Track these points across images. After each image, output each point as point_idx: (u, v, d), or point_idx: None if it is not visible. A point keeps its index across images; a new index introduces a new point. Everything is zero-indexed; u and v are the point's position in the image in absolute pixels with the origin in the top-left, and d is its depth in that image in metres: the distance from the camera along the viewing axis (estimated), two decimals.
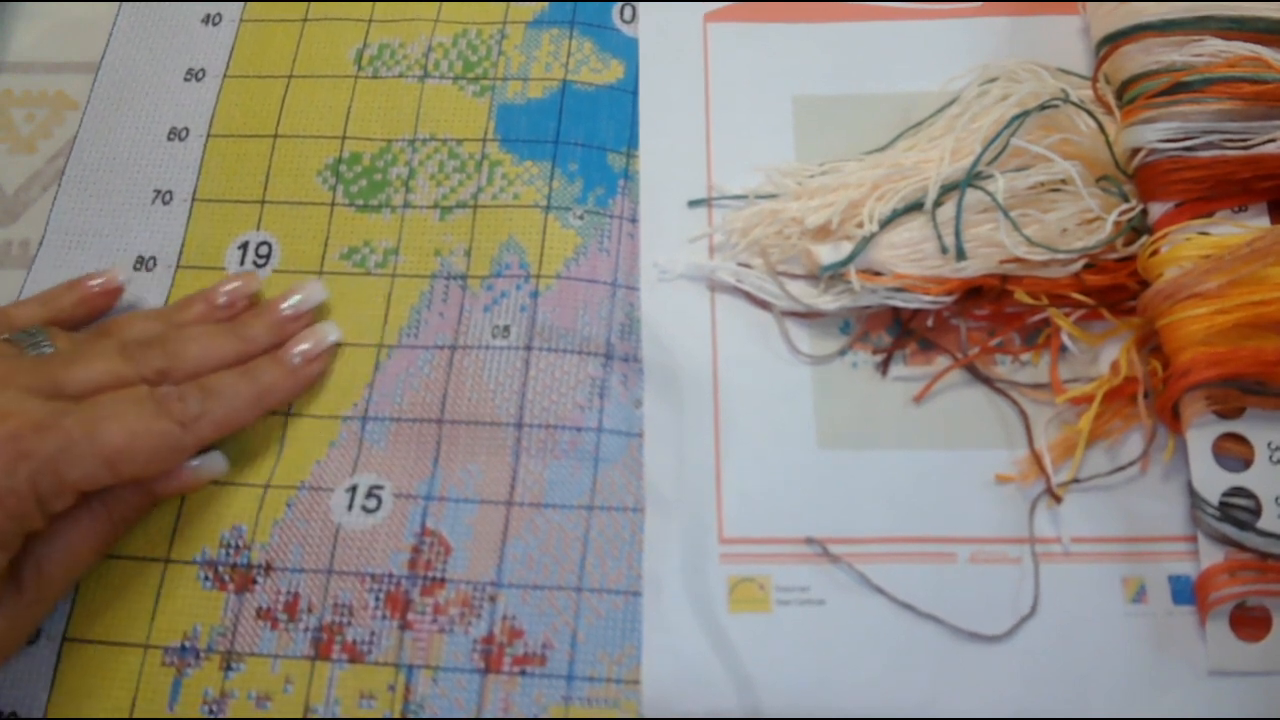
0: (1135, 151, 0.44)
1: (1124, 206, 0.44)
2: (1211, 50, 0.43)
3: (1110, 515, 0.42)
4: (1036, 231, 0.43)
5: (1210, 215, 0.43)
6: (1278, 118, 0.42)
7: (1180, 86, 0.43)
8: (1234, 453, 0.41)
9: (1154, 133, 0.43)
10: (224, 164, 0.49)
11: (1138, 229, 0.44)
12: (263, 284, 0.47)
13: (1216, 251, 0.41)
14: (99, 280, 0.45)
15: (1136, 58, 0.44)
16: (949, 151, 0.45)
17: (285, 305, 0.45)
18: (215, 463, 0.42)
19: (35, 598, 0.38)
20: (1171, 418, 0.42)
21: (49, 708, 0.40)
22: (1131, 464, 0.42)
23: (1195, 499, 0.40)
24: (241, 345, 0.43)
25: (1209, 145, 0.42)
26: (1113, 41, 0.45)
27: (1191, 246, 0.42)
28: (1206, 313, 0.41)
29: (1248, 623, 0.40)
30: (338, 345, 0.45)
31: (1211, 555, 0.40)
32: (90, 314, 0.45)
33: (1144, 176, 0.43)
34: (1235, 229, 0.42)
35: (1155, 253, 0.42)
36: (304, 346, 0.44)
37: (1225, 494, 0.40)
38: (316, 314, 0.46)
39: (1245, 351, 0.40)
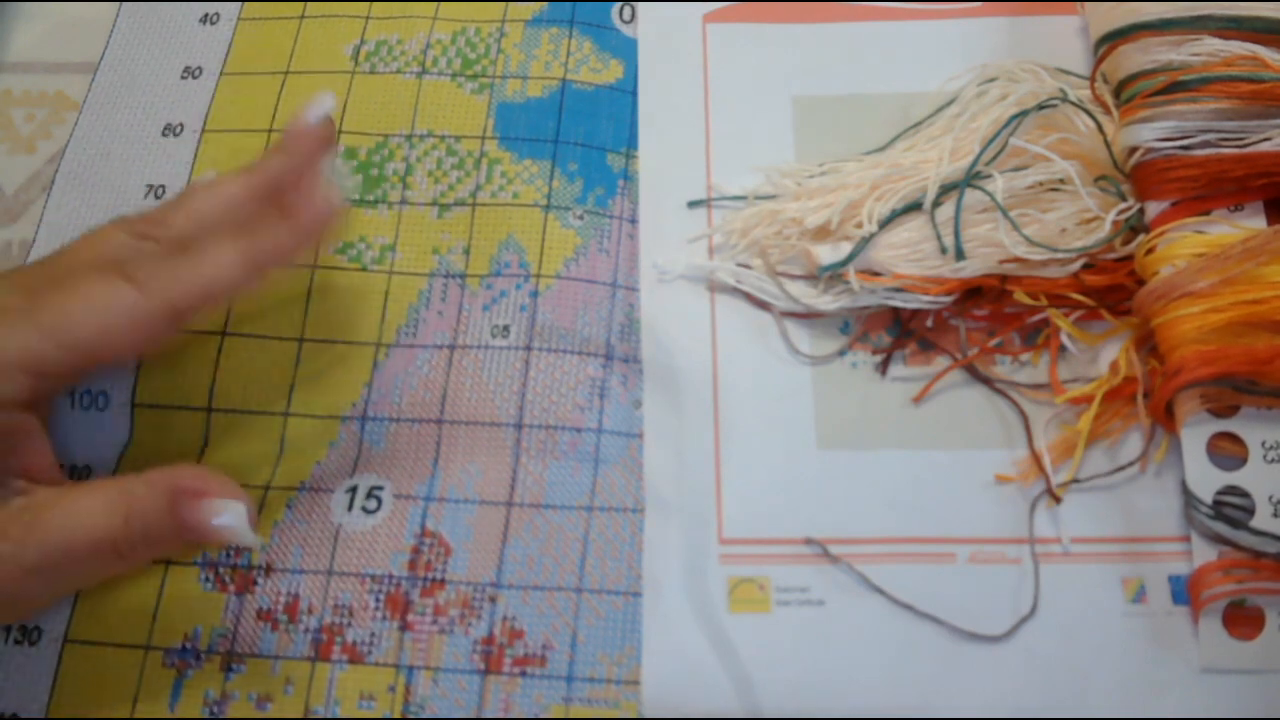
0: (1132, 150, 0.44)
1: (1122, 205, 0.44)
2: (1209, 49, 0.43)
3: (1110, 515, 0.42)
4: (1035, 231, 0.44)
5: (1206, 214, 0.43)
6: (1274, 117, 0.42)
7: (1177, 86, 0.43)
8: (1228, 451, 0.41)
9: (1150, 131, 0.43)
10: (219, 159, 0.49)
11: (1136, 228, 0.44)
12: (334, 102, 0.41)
13: (1210, 250, 0.41)
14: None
15: (1134, 57, 0.44)
16: (948, 151, 0.45)
17: (298, 124, 0.40)
18: (238, 522, 0.36)
19: None
20: (1166, 417, 0.42)
21: (50, 709, 0.40)
22: (1131, 464, 0.42)
23: (1189, 497, 0.41)
24: (253, 179, 0.39)
25: (1205, 144, 0.42)
26: (1111, 41, 0.45)
27: (1185, 245, 0.42)
28: (1199, 311, 0.41)
29: (1241, 621, 0.40)
30: (349, 189, 0.41)
31: (1205, 554, 0.40)
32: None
33: (1140, 175, 0.44)
34: (1231, 228, 0.42)
35: (1151, 251, 0.43)
36: (312, 197, 0.39)
37: (1219, 493, 0.40)
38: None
39: (1237, 350, 0.40)
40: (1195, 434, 0.41)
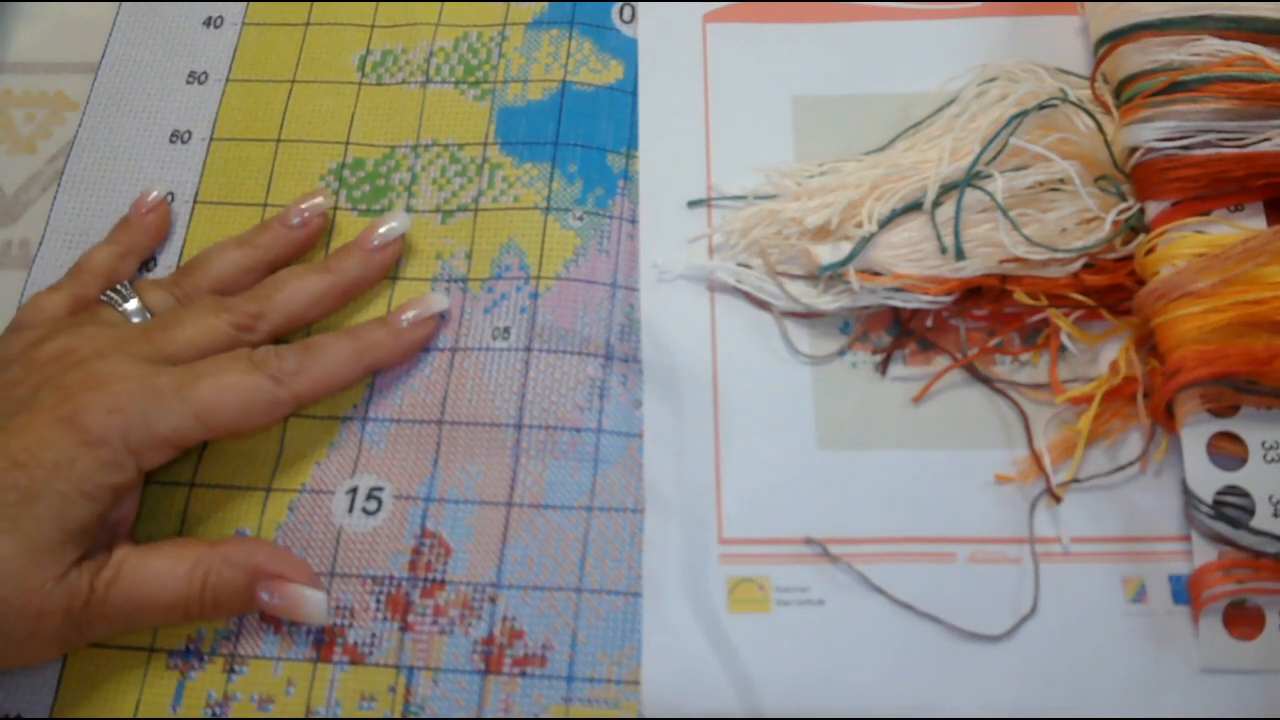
0: (1132, 150, 0.44)
1: (1122, 205, 0.44)
2: (1209, 50, 0.43)
3: (1110, 515, 0.42)
4: (1035, 231, 0.44)
5: (1207, 214, 0.43)
6: (1274, 117, 0.42)
7: (1177, 86, 0.43)
8: (1228, 451, 0.41)
9: (1151, 131, 0.43)
10: (226, 167, 0.49)
11: (1136, 228, 0.44)
12: (332, 202, 0.48)
13: (1210, 250, 0.41)
14: (146, 203, 0.47)
15: (1134, 57, 0.44)
16: (948, 151, 0.45)
17: (374, 236, 0.46)
18: (319, 610, 0.40)
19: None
20: (1166, 417, 0.42)
21: (54, 710, 0.40)
22: (1131, 464, 0.42)
23: (1189, 497, 0.41)
24: (332, 278, 0.44)
25: (1205, 144, 0.42)
26: (1111, 41, 0.45)
27: (1185, 245, 0.42)
28: (1199, 311, 0.41)
29: (1241, 621, 0.40)
30: (442, 314, 0.45)
31: (1205, 553, 0.40)
32: (157, 238, 0.48)
33: (1140, 175, 0.44)
34: (1230, 228, 0.42)
35: (1151, 251, 0.43)
36: (411, 313, 0.44)
37: (1219, 492, 0.40)
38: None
39: (1237, 350, 0.40)
40: (1195, 434, 0.41)
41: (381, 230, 0.46)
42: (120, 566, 0.38)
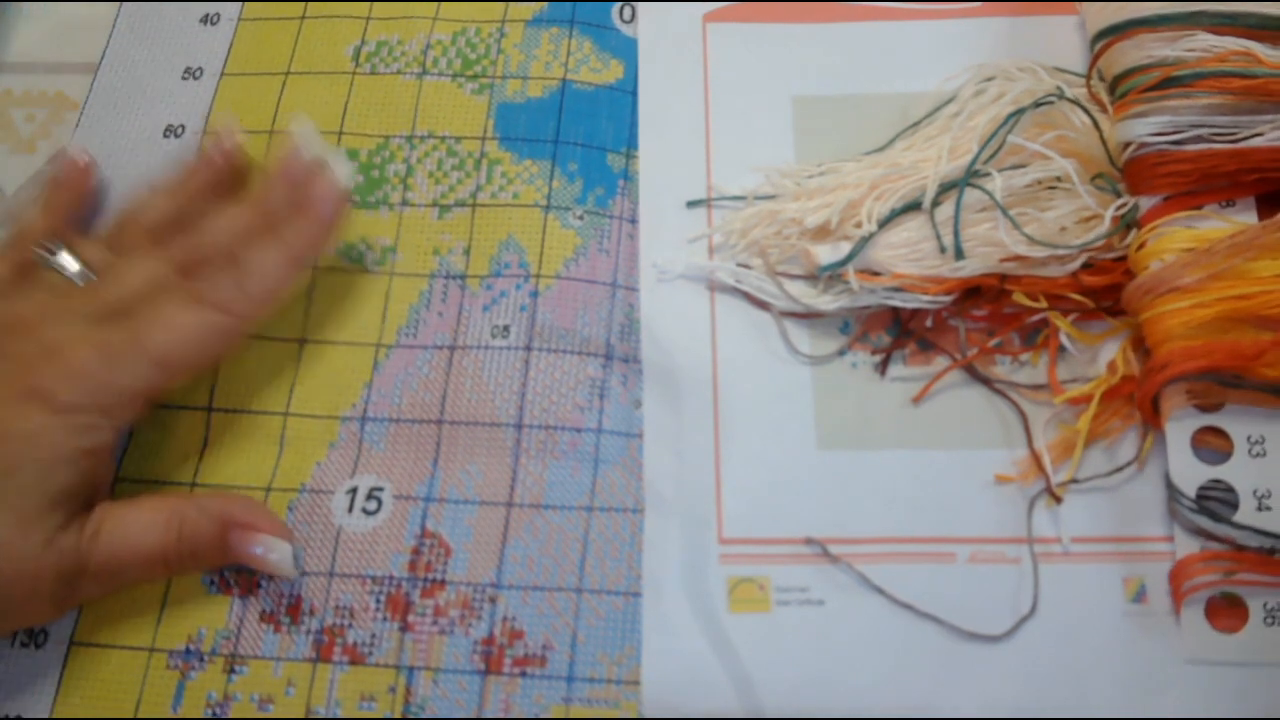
0: (1126, 145, 0.44)
1: (1119, 202, 0.44)
2: (1203, 45, 0.43)
3: (1110, 515, 0.42)
4: (1035, 230, 0.43)
5: (1198, 209, 0.43)
6: (1266, 112, 0.42)
7: (1170, 81, 0.43)
8: (1213, 445, 0.41)
9: (1144, 126, 0.43)
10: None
11: (1132, 225, 0.44)
12: (241, 130, 0.49)
13: (1198, 244, 0.41)
14: (68, 165, 0.48)
15: (1129, 53, 0.44)
16: (946, 150, 0.45)
17: (292, 159, 0.45)
18: (282, 560, 0.41)
19: None
20: (1152, 412, 0.42)
21: (54, 710, 0.40)
22: (1129, 464, 0.42)
23: (1171, 490, 0.41)
24: (264, 210, 0.44)
25: (1197, 139, 0.42)
26: (1107, 37, 0.45)
27: (1174, 239, 0.42)
28: (1186, 306, 0.41)
29: (1225, 614, 0.40)
30: (353, 185, 0.46)
31: (1187, 546, 0.40)
32: (87, 201, 0.48)
33: (1133, 170, 0.44)
34: (1221, 223, 0.42)
35: (1143, 246, 0.43)
36: (320, 191, 0.44)
37: (1203, 486, 0.41)
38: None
39: (1223, 345, 0.40)
40: (1180, 428, 0.41)
41: (296, 152, 0.45)
42: (101, 522, 0.39)
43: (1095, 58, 0.46)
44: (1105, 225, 0.43)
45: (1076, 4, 0.50)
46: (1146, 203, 0.43)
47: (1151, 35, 0.44)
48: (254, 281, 0.42)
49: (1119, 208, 0.44)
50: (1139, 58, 0.44)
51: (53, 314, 0.41)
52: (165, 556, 0.40)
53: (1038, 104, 0.45)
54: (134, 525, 0.39)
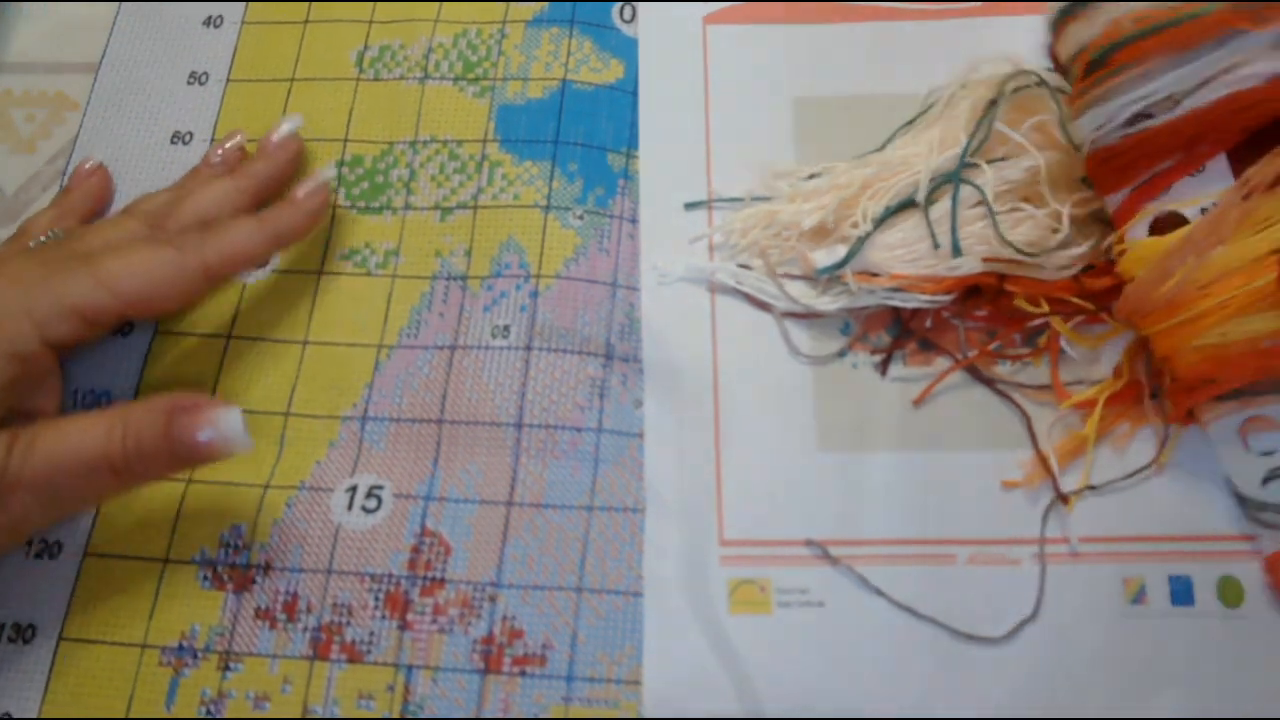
0: (1079, 148, 0.42)
1: (1078, 196, 0.43)
2: (1109, 15, 0.40)
3: (1111, 515, 0.42)
4: (1030, 227, 0.43)
5: (1168, 189, 0.41)
6: (1194, 59, 0.38)
7: (1092, 66, 0.40)
8: (1260, 426, 0.40)
9: (1088, 123, 0.41)
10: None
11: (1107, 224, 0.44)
12: (247, 137, 0.50)
13: (1174, 245, 0.39)
14: (85, 170, 0.49)
15: (1068, 47, 0.42)
16: (936, 142, 0.45)
17: (275, 136, 0.48)
18: (231, 429, 0.38)
19: None
20: (1185, 419, 0.42)
21: (43, 708, 0.40)
22: (1146, 467, 0.42)
23: (1245, 502, 0.40)
24: (242, 182, 0.46)
25: (1137, 118, 0.40)
26: (1060, 21, 0.43)
27: (1146, 248, 0.41)
28: (1190, 318, 0.40)
29: None
30: (333, 179, 0.48)
31: (1276, 542, 0.40)
32: (98, 202, 0.49)
33: (1091, 172, 0.42)
34: (1197, 197, 0.40)
35: (1123, 252, 0.42)
36: (306, 187, 0.46)
37: (1264, 478, 0.40)
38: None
39: (1240, 360, 0.39)
40: (1224, 428, 0.41)
41: (283, 128, 0.48)
42: (37, 433, 0.37)
43: (1054, 41, 0.44)
44: (1065, 230, 0.43)
45: None
46: (1114, 201, 0.42)
47: (1075, 23, 0.42)
48: (218, 236, 0.42)
49: (1075, 205, 0.43)
50: (1071, 49, 0.42)
51: (15, 254, 0.42)
52: (110, 461, 0.37)
53: (1016, 89, 0.44)
54: (73, 430, 0.37)
